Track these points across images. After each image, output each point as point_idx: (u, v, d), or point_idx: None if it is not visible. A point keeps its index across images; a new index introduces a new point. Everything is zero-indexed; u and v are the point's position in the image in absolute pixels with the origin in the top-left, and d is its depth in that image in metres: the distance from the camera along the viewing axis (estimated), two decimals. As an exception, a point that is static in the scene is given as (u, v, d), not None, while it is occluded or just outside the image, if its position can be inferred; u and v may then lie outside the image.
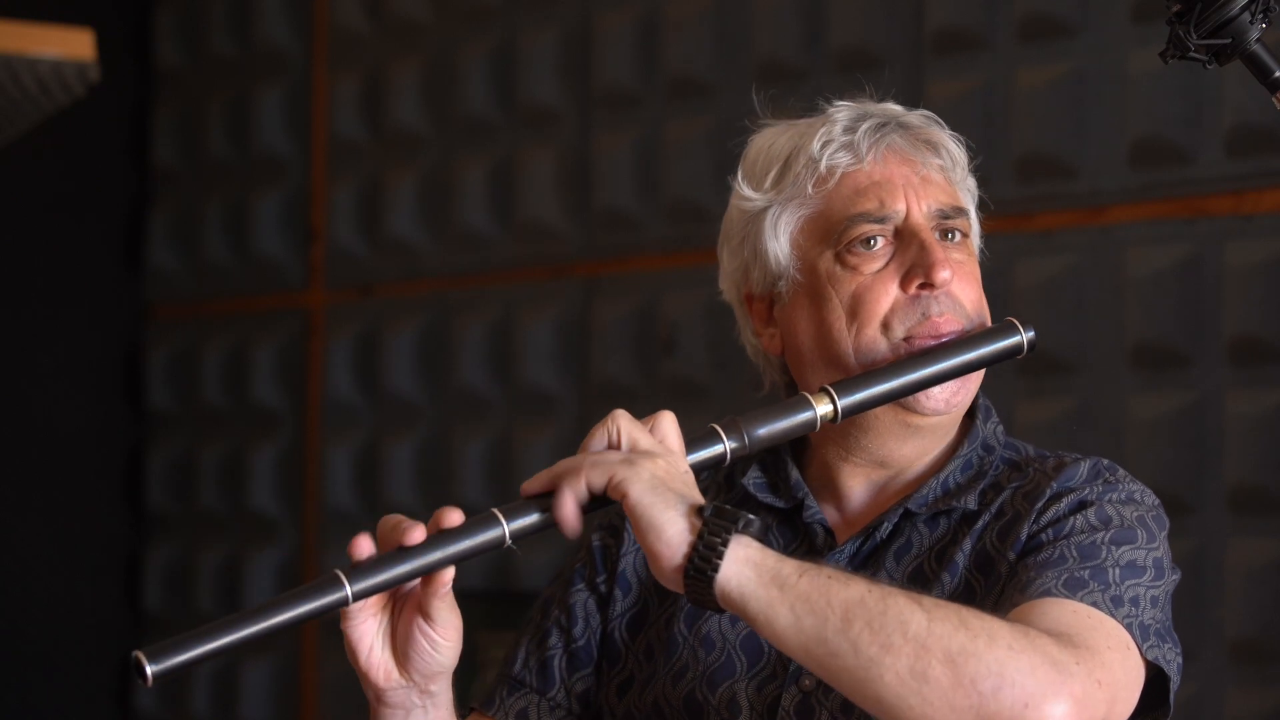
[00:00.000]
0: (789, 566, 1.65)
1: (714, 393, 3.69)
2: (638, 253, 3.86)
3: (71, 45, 2.79)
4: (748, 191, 1.97)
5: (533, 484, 1.73)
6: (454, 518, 1.71)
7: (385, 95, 4.35)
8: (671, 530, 1.65)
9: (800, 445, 2.01)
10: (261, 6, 4.62)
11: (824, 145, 1.92)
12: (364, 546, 1.69)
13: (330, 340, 4.44)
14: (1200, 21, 1.71)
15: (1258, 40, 1.71)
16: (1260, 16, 1.71)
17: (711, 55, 3.76)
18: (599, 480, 1.68)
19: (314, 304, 4.49)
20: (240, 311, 4.65)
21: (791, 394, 1.99)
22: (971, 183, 2.01)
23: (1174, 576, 1.85)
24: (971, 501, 1.90)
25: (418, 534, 1.69)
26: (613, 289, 3.92)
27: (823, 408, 1.81)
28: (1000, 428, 1.99)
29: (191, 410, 4.72)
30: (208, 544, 4.63)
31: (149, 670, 1.56)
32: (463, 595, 3.61)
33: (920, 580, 1.88)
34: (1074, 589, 1.75)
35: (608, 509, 1.77)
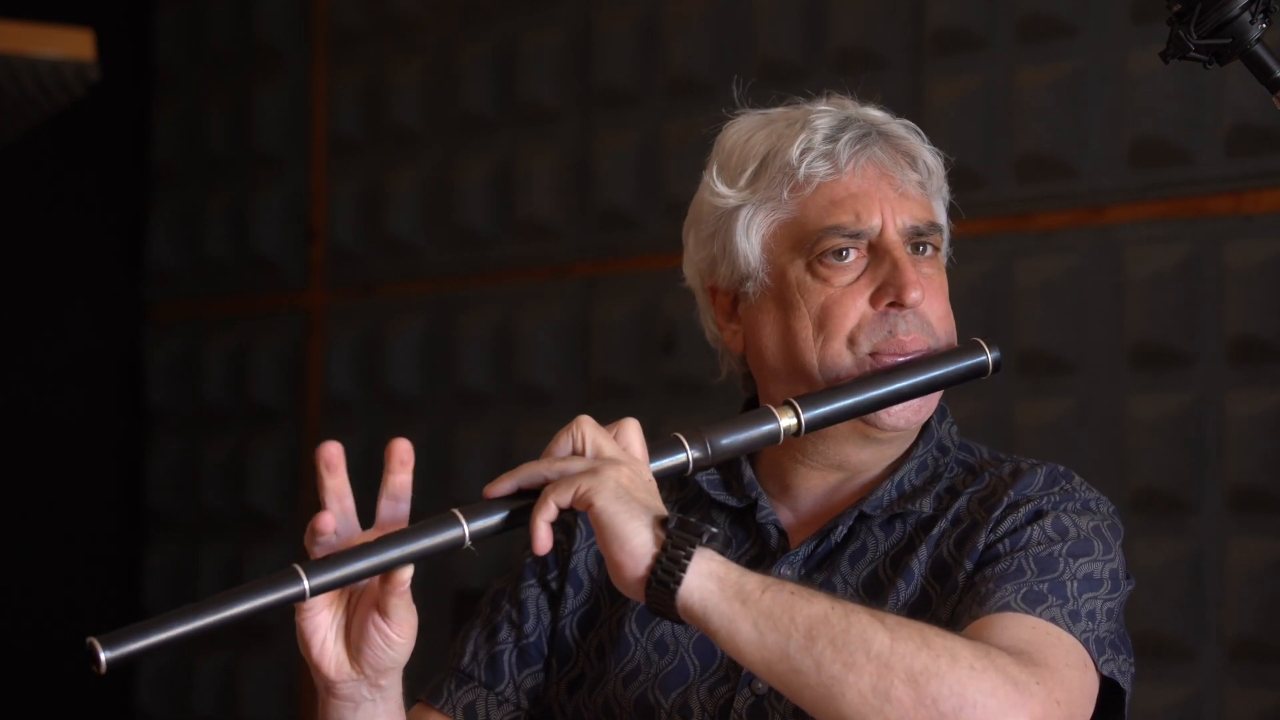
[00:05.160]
0: (752, 581, 1.65)
1: (713, 392, 3.69)
2: (638, 253, 3.86)
3: (71, 45, 2.80)
4: (721, 187, 1.96)
5: (496, 487, 1.74)
6: (403, 447, 1.74)
7: (385, 95, 4.35)
8: (636, 541, 1.65)
9: None
10: (261, 5, 4.62)
11: (803, 152, 1.90)
12: (325, 523, 1.70)
13: (330, 340, 4.44)
14: (1200, 21, 1.71)
15: (1258, 40, 1.71)
16: (1260, 16, 1.70)
17: (711, 55, 3.76)
18: (565, 498, 1.69)
19: (314, 304, 4.49)
20: (240, 311, 4.65)
21: (749, 387, 2.01)
22: (945, 190, 2.01)
23: (1129, 586, 1.85)
24: (927, 506, 1.90)
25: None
26: (613, 289, 3.92)
27: (786, 421, 1.82)
28: (955, 428, 1.99)
29: (192, 410, 4.72)
30: (208, 543, 4.63)
31: (103, 657, 1.56)
32: (465, 595, 3.63)
33: (875, 586, 1.87)
34: (1033, 604, 1.75)
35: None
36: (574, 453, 1.73)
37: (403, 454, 1.75)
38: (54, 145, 4.48)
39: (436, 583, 3.92)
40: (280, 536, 4.46)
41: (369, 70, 4.41)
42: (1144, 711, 2.95)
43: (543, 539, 1.69)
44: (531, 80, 4.07)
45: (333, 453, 1.74)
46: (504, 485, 1.74)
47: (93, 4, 4.03)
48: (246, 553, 4.51)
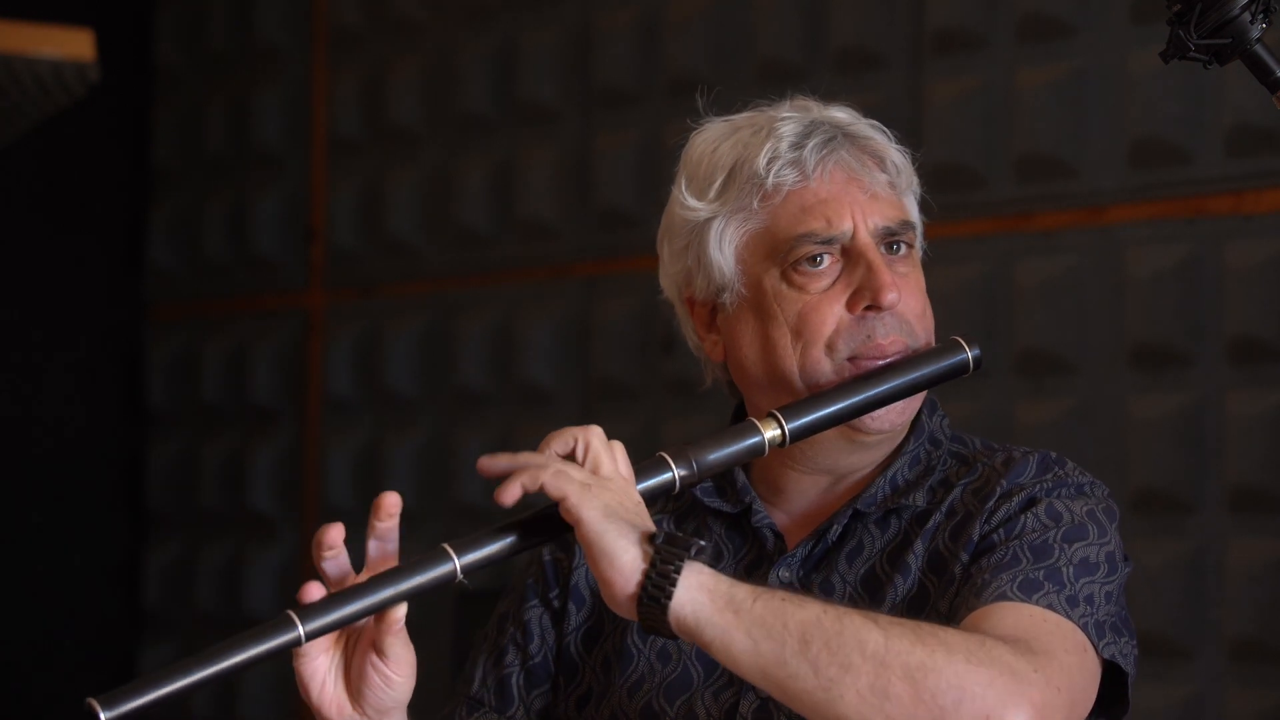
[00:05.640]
0: (743, 591, 1.65)
1: (712, 392, 3.69)
2: (638, 253, 3.86)
3: (71, 45, 2.79)
4: (691, 200, 1.97)
5: (492, 463, 1.73)
6: (391, 500, 1.72)
7: (385, 94, 4.35)
8: (624, 558, 1.65)
9: None
10: (261, 5, 4.62)
11: (770, 161, 1.90)
12: (314, 593, 1.69)
13: (330, 340, 4.44)
14: (1200, 21, 1.71)
15: (1258, 40, 1.71)
16: (1260, 16, 1.71)
17: (711, 55, 3.76)
18: (555, 491, 1.68)
19: (314, 304, 4.49)
20: (240, 311, 4.65)
21: (734, 394, 2.01)
22: (916, 184, 2.00)
23: (1127, 568, 1.85)
24: (921, 500, 1.90)
25: (335, 533, 1.70)
26: (612, 289, 3.92)
27: (770, 433, 1.82)
28: (946, 420, 1.99)
29: (191, 410, 4.72)
30: (208, 544, 4.63)
31: (103, 716, 1.58)
32: (467, 597, 3.62)
33: (873, 583, 1.87)
34: (1029, 591, 1.75)
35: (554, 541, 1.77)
36: (571, 455, 1.73)
37: (390, 507, 1.73)
38: (54, 145, 4.48)
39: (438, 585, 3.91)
40: (279, 536, 4.46)
41: (369, 70, 4.41)
42: (1144, 711, 2.95)
43: (508, 500, 1.69)
44: (531, 80, 4.07)
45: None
46: (500, 464, 1.72)
47: (93, 4, 4.02)
48: (246, 553, 4.51)
